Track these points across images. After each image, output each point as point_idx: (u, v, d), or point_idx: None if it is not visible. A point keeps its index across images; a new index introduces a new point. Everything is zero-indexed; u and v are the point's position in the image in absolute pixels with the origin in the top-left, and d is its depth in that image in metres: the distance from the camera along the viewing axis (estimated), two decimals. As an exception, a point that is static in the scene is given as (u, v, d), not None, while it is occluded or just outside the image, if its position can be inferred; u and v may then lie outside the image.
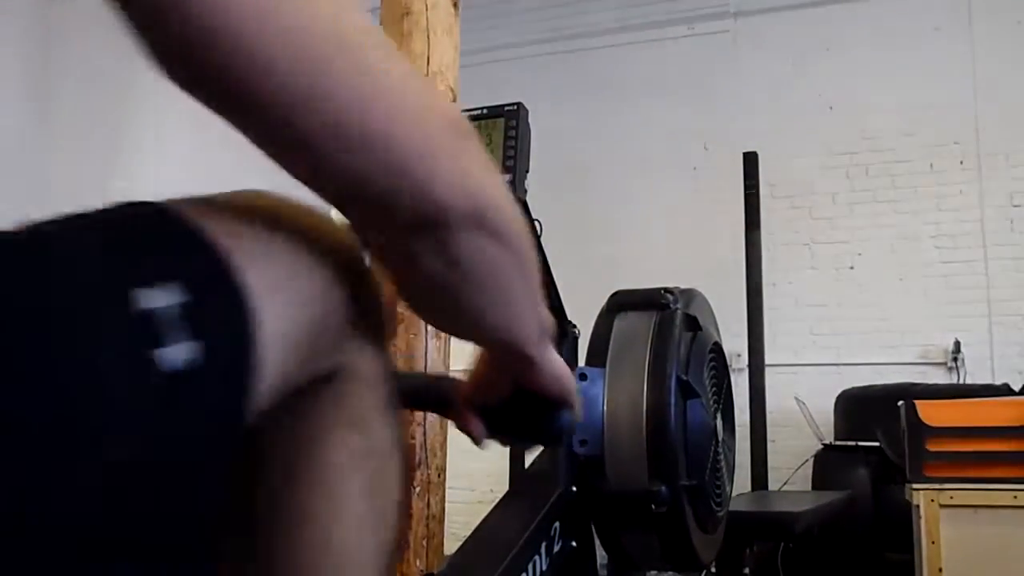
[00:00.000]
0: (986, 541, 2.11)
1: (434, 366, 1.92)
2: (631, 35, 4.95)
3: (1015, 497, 2.09)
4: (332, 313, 0.52)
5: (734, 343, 3.59)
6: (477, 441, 0.75)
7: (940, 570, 2.11)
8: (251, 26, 0.41)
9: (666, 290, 1.82)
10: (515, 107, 1.86)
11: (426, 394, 0.89)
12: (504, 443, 0.77)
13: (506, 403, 0.71)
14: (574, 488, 1.67)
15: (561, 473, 1.69)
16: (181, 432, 0.41)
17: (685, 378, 1.67)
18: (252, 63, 0.42)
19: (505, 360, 0.67)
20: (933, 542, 2.12)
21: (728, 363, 2.02)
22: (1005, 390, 3.49)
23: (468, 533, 1.63)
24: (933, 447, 2.21)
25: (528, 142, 1.90)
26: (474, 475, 3.75)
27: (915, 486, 2.18)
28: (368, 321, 0.56)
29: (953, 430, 2.23)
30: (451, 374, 0.87)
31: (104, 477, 0.38)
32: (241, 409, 0.44)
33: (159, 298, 0.40)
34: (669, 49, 4.88)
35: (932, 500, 2.14)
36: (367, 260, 0.56)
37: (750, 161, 3.85)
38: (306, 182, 0.48)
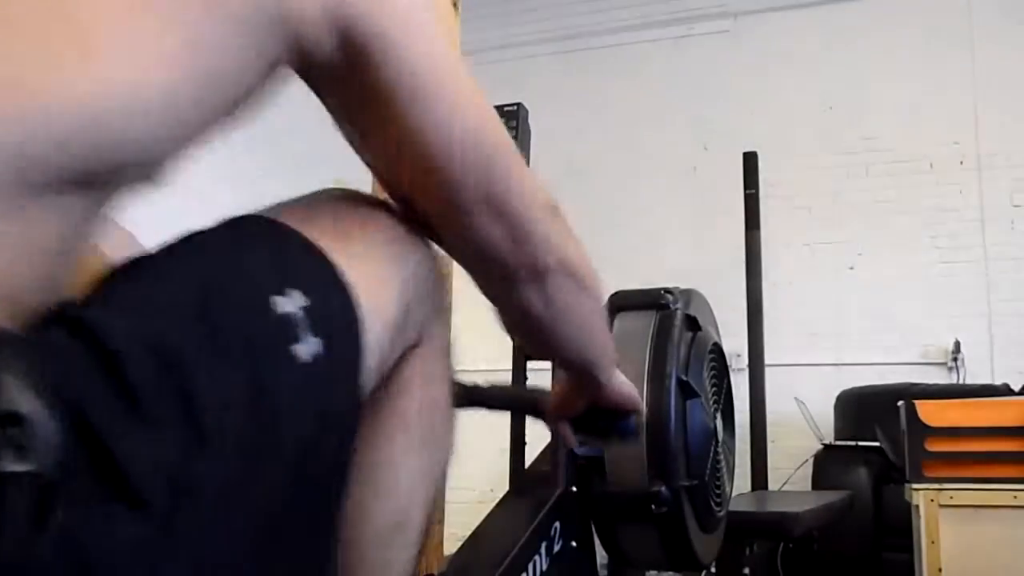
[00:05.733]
0: (986, 541, 2.11)
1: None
2: (631, 35, 4.95)
3: (1015, 497, 2.09)
4: (417, 295, 0.62)
5: (734, 343, 3.58)
6: (567, 442, 0.96)
7: (940, 570, 2.11)
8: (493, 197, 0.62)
9: (666, 290, 1.82)
10: (515, 107, 1.86)
11: (523, 403, 1.14)
12: (589, 442, 1.01)
13: (587, 412, 0.93)
14: (574, 488, 1.67)
15: (561, 473, 1.69)
16: (318, 410, 0.50)
17: (685, 378, 1.67)
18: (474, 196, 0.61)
19: (580, 381, 0.87)
20: (933, 542, 2.12)
21: (728, 363, 2.01)
22: (1005, 390, 3.49)
23: (468, 533, 1.63)
24: (933, 447, 2.20)
25: (528, 142, 1.90)
26: (474, 475, 3.74)
27: (915, 486, 2.18)
28: (438, 297, 0.69)
29: (953, 430, 2.23)
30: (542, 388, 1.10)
31: (275, 444, 0.47)
32: (357, 387, 0.54)
33: (289, 303, 0.49)
34: (669, 49, 4.88)
35: (932, 500, 2.14)
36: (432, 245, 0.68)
37: (750, 161, 3.84)
38: (453, 248, 0.66)
